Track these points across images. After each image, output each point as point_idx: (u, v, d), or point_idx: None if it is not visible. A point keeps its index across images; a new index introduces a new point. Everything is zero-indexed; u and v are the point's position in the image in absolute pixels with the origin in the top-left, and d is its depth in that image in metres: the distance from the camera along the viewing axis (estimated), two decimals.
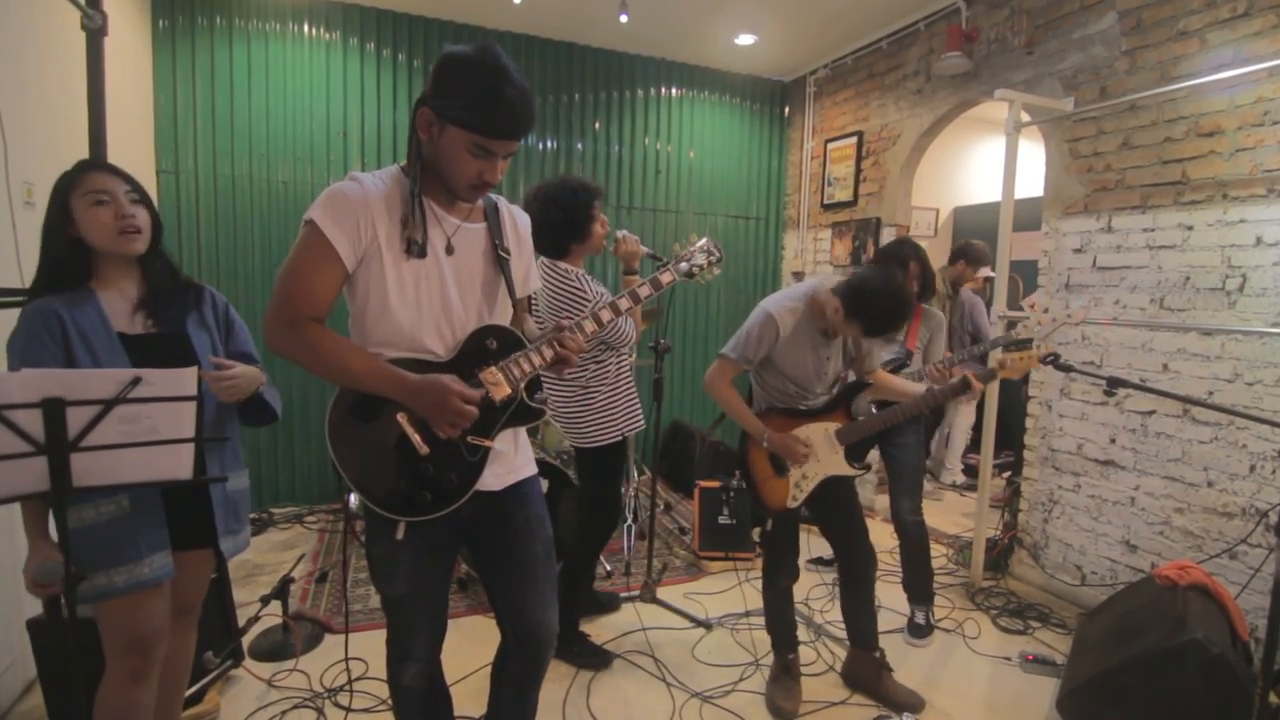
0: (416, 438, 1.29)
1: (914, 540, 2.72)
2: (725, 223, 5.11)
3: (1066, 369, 1.99)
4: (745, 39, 4.32)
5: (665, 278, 1.47)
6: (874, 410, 2.30)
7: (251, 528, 3.63)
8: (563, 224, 2.25)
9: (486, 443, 1.35)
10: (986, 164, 5.56)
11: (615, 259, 2.50)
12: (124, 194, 1.47)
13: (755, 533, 2.28)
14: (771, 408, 2.21)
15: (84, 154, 2.24)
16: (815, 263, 4.90)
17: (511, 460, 1.46)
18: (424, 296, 1.33)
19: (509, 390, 1.35)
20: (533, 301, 2.15)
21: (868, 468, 2.23)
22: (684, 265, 1.50)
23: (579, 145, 4.60)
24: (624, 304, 1.43)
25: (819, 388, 2.21)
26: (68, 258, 1.46)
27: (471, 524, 1.44)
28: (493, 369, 1.34)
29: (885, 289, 1.96)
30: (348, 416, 1.32)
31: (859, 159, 4.44)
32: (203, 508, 1.59)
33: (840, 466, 2.17)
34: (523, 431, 1.52)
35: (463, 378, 1.31)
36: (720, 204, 5.07)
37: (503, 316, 1.45)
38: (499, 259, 1.41)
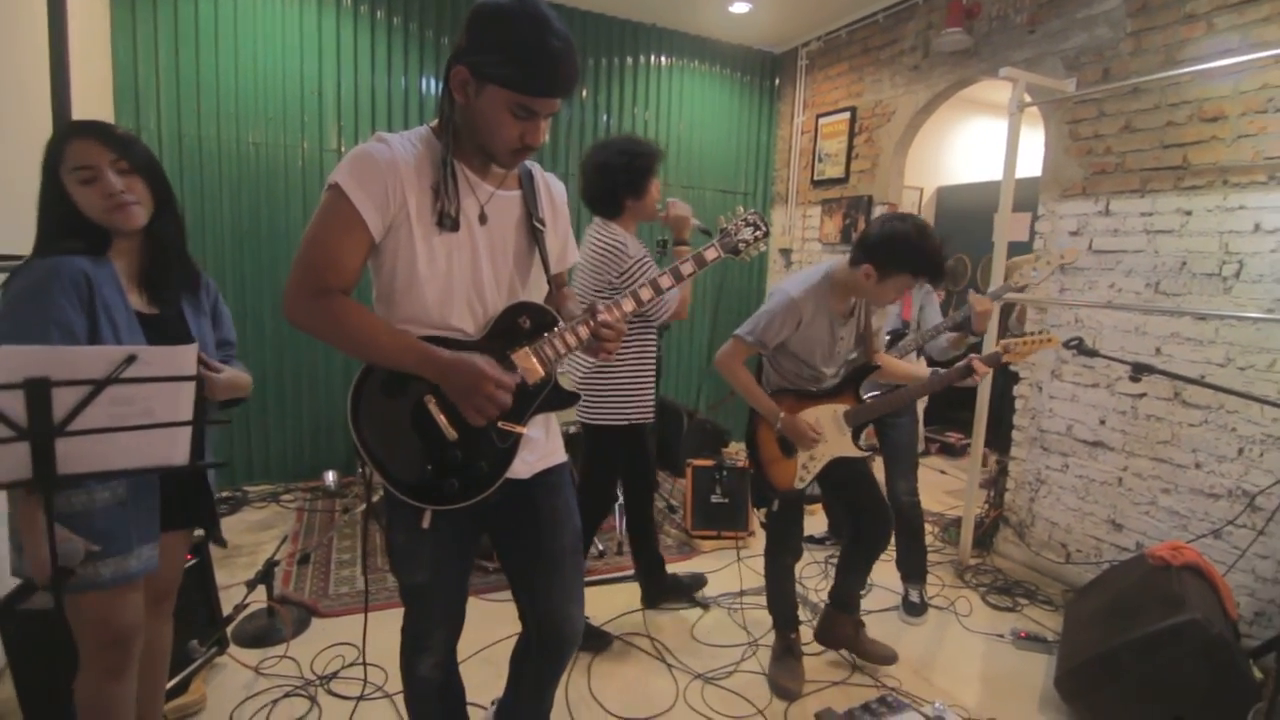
0: (444, 421, 1.21)
1: (910, 520, 2.74)
2: (712, 197, 5.02)
3: (1091, 354, 1.98)
4: (740, 7, 4.20)
5: (710, 254, 1.39)
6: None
7: (225, 507, 3.55)
8: (624, 176, 2.22)
9: (518, 429, 1.28)
10: (971, 144, 5.56)
11: (666, 228, 2.45)
12: (109, 165, 1.32)
13: (761, 514, 2.28)
14: (783, 389, 2.18)
15: (45, 112, 2.06)
16: (804, 240, 4.87)
17: (542, 446, 1.39)
18: (454, 270, 1.23)
19: (542, 372, 1.27)
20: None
21: (875, 450, 2.22)
22: (729, 241, 1.42)
23: (566, 114, 4.44)
24: (666, 281, 1.36)
25: (831, 369, 2.18)
26: (82, 228, 1.32)
27: (496, 512, 1.36)
28: (526, 349, 1.26)
29: (913, 229, 1.91)
30: (372, 397, 1.23)
31: (851, 135, 4.38)
32: (185, 491, 1.50)
33: (848, 448, 2.17)
34: (553, 418, 1.45)
35: (494, 358, 1.23)
36: (708, 177, 4.98)
37: (536, 292, 1.36)
38: (534, 230, 1.32)
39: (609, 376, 2.33)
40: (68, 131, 1.35)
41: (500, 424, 1.26)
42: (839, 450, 2.16)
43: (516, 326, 1.28)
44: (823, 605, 2.74)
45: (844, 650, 2.40)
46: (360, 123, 3.91)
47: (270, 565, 2.45)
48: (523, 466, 1.34)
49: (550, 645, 1.47)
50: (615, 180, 2.23)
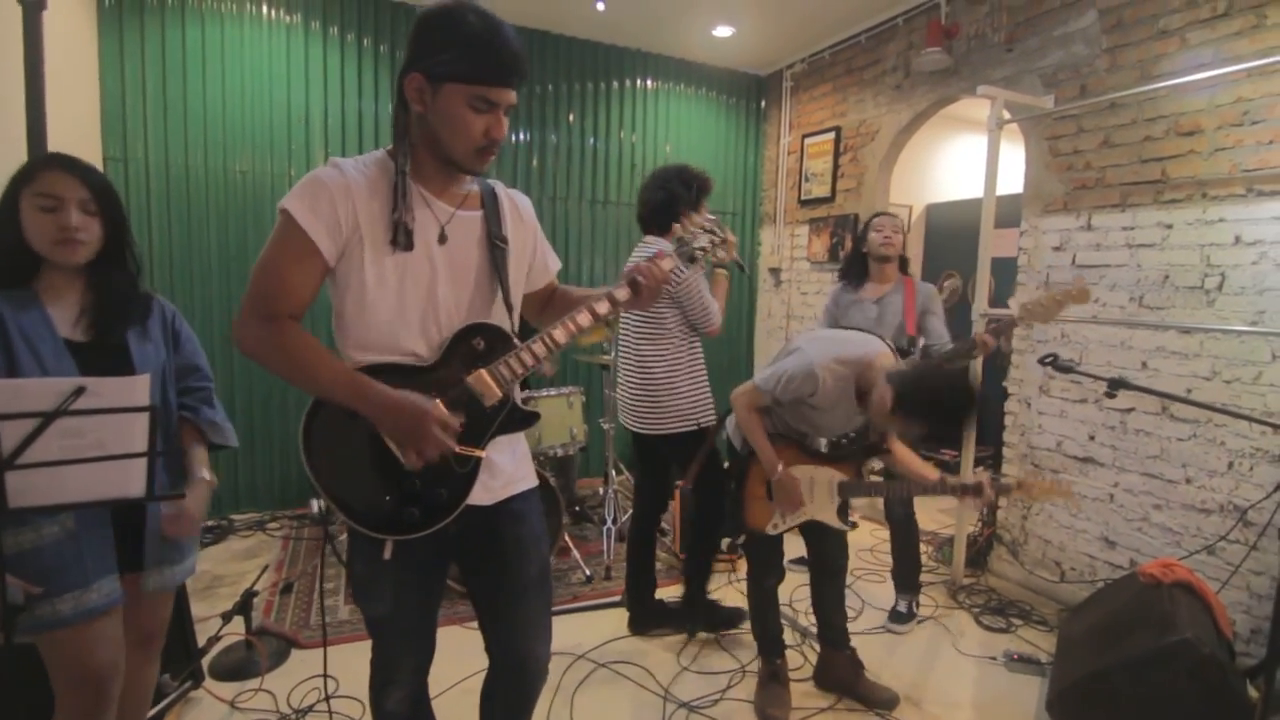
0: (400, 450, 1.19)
1: (904, 533, 2.76)
2: None
3: (1066, 369, 1.96)
4: (723, 31, 4.25)
5: (666, 264, 1.33)
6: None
7: (209, 536, 3.51)
8: (684, 191, 2.46)
9: (477, 452, 1.25)
10: (959, 162, 5.59)
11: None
12: (76, 203, 1.33)
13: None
14: (787, 438, 2.15)
15: (20, 138, 2.06)
16: (792, 259, 4.87)
17: (506, 472, 1.35)
18: (409, 292, 1.21)
19: (500, 394, 1.24)
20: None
21: (854, 526, 2.19)
22: (685, 249, 1.37)
23: (553, 138, 4.48)
24: (622, 294, 1.31)
25: (831, 438, 2.16)
26: (12, 254, 1.32)
27: (461, 541, 1.33)
28: (481, 372, 1.23)
29: (945, 388, 1.78)
30: (324, 429, 1.20)
31: (836, 155, 4.41)
32: (127, 527, 1.46)
33: (829, 517, 2.13)
34: (522, 441, 1.42)
35: (449, 382, 1.21)
36: None
37: (499, 313, 1.32)
38: (495, 249, 1.30)
39: (672, 386, 2.49)
40: (50, 161, 1.36)
41: (458, 448, 1.24)
42: (820, 515, 2.13)
43: (471, 349, 1.26)
44: (812, 630, 2.71)
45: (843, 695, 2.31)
46: (347, 149, 3.93)
47: (248, 596, 2.40)
48: (484, 493, 1.31)
49: (513, 681, 1.44)
50: (676, 195, 2.45)
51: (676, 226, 1.39)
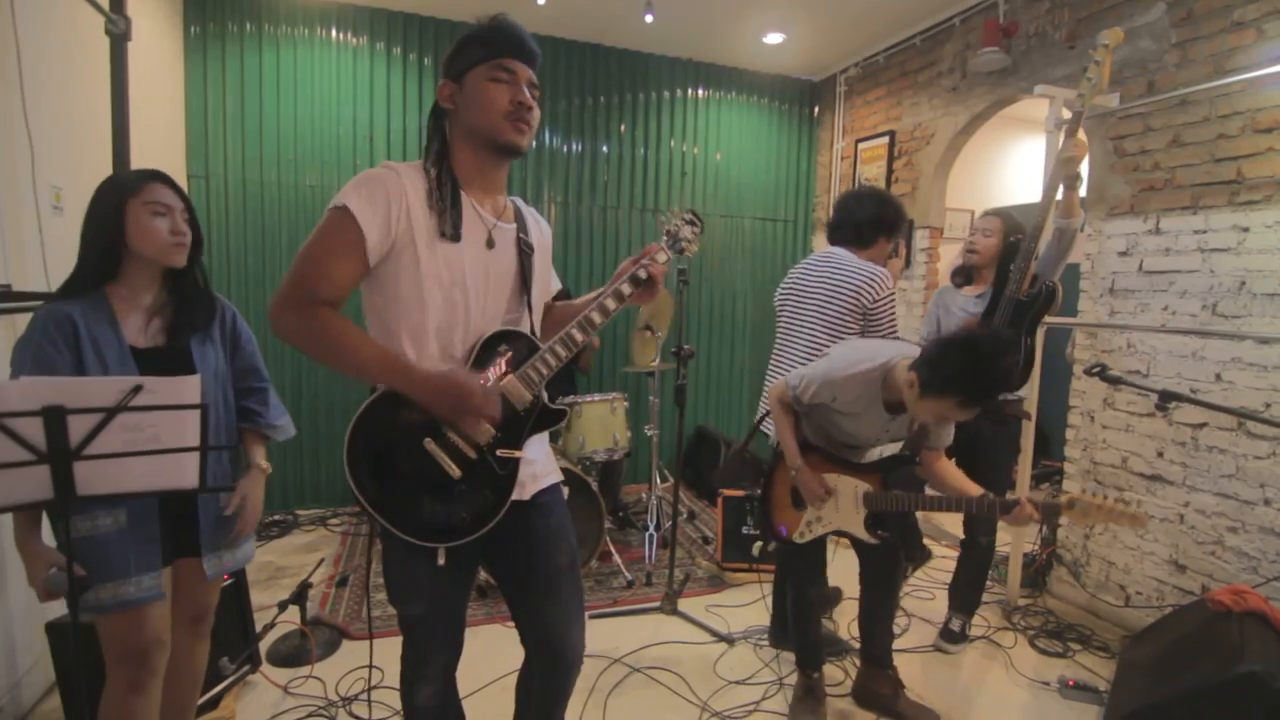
0: (448, 461, 1.25)
1: (979, 554, 2.67)
2: (752, 225, 5.02)
3: (1114, 381, 1.87)
4: (773, 38, 4.23)
5: (661, 257, 1.40)
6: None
7: (275, 530, 3.71)
8: (892, 219, 2.48)
9: (516, 453, 1.32)
10: (1022, 164, 5.37)
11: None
12: (180, 212, 1.50)
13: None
14: (812, 447, 2.13)
15: (108, 158, 2.26)
16: None
17: (539, 467, 1.42)
18: (457, 290, 1.27)
19: (530, 396, 1.31)
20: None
21: (883, 539, 2.09)
22: (676, 243, 1.44)
23: (604, 148, 4.55)
24: (626, 289, 1.37)
25: (866, 447, 2.13)
26: (105, 256, 1.46)
27: (492, 536, 1.38)
28: (512, 377, 1.30)
29: (979, 350, 1.64)
30: (369, 452, 1.24)
31: (890, 159, 4.31)
32: (183, 516, 1.57)
33: (855, 527, 2.07)
34: (545, 438, 1.48)
35: None
36: (747, 206, 4.98)
37: (524, 318, 1.40)
38: (525, 256, 1.37)
39: None
40: (155, 175, 1.51)
41: (499, 451, 1.30)
42: (846, 525, 2.08)
43: (497, 356, 1.32)
44: (854, 644, 2.64)
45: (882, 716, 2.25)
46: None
47: (303, 587, 2.54)
48: (521, 489, 1.37)
49: (551, 668, 1.47)
50: (885, 216, 2.47)
51: (662, 219, 1.47)
